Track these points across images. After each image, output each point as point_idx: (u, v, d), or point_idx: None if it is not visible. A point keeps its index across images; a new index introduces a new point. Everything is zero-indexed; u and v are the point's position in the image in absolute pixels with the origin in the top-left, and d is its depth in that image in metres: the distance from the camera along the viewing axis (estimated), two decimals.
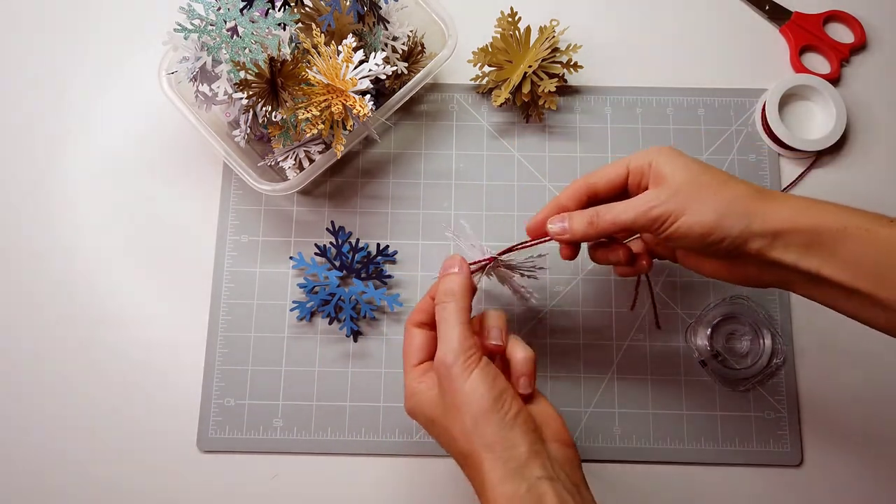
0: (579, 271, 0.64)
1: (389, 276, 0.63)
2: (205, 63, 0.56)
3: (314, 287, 0.62)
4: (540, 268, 0.54)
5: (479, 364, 0.44)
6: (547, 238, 0.51)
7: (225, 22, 0.54)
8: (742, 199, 0.45)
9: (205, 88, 0.57)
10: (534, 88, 0.64)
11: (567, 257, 0.52)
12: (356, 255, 0.63)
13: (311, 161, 0.60)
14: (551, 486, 0.41)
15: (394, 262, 0.64)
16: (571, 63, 0.64)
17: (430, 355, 0.48)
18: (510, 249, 0.53)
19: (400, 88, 0.61)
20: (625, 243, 0.53)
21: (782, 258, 0.44)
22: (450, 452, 0.46)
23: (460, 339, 0.45)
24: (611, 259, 0.52)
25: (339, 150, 0.56)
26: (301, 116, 0.54)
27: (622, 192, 0.50)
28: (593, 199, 0.50)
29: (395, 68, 0.62)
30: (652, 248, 0.54)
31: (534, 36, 0.65)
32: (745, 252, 0.45)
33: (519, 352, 0.48)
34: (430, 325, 0.49)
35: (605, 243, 0.53)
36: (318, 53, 0.54)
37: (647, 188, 0.48)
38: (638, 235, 0.54)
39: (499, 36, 0.65)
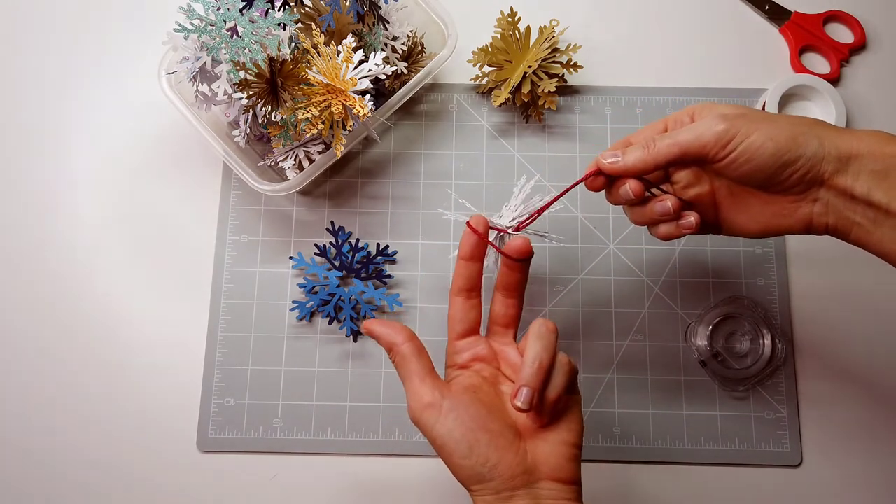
0: (579, 271, 0.64)
1: (389, 276, 0.63)
2: (205, 63, 0.56)
3: (314, 287, 0.62)
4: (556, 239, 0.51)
5: (441, 414, 0.43)
6: (589, 176, 0.47)
7: (225, 22, 0.54)
8: (810, 123, 0.42)
9: (205, 88, 0.57)
10: (534, 88, 0.64)
11: (599, 188, 0.47)
12: (356, 255, 0.63)
13: (311, 161, 0.60)
14: None
15: (394, 262, 0.64)
16: (571, 63, 0.64)
17: (467, 329, 0.48)
18: (532, 220, 0.50)
19: (400, 88, 0.61)
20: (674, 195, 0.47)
21: (853, 187, 0.41)
22: None
23: (418, 393, 0.44)
24: (657, 211, 0.46)
25: (339, 150, 0.56)
26: (301, 116, 0.54)
27: None
28: None
29: (394, 68, 0.62)
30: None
31: (534, 36, 0.65)
32: (814, 179, 0.42)
33: (531, 350, 0.43)
34: (462, 294, 0.48)
35: (649, 197, 0.47)
36: (318, 53, 0.54)
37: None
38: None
39: (499, 36, 0.65)
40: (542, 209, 0.50)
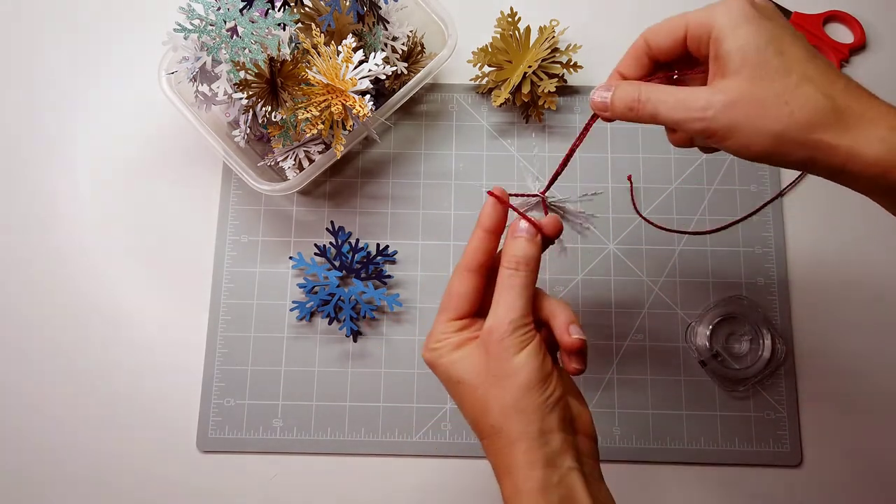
0: (579, 271, 0.64)
1: (389, 276, 0.63)
2: (205, 63, 0.56)
3: (314, 287, 0.62)
4: (591, 215, 0.49)
5: (533, 340, 0.42)
6: (592, 123, 0.46)
7: (225, 22, 0.54)
8: (810, 123, 0.37)
9: (205, 88, 0.57)
10: (533, 88, 0.64)
11: (608, 118, 0.45)
12: (356, 255, 0.63)
13: (311, 161, 0.60)
14: (580, 479, 0.40)
15: (393, 262, 0.64)
16: (571, 63, 0.64)
17: (473, 309, 0.45)
18: (555, 177, 0.48)
19: (400, 88, 0.61)
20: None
21: (851, 186, 0.39)
22: (472, 421, 0.42)
23: (522, 312, 0.42)
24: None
25: (339, 150, 0.56)
26: (301, 116, 0.54)
27: (685, 54, 0.43)
28: (656, 63, 0.44)
29: (394, 68, 0.62)
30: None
31: (534, 36, 0.65)
32: (804, 169, 0.39)
33: (557, 304, 0.44)
34: (480, 271, 0.45)
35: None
36: (318, 53, 0.54)
37: (706, 59, 0.41)
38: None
39: (499, 36, 0.65)
40: (561, 167, 0.48)
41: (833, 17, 0.70)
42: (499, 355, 0.41)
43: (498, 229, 0.45)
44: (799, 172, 0.66)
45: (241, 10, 0.54)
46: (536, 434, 0.40)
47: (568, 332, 0.43)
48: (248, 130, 0.59)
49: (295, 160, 0.60)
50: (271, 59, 0.53)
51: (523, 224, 0.44)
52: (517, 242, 0.44)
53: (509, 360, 0.41)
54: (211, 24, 0.55)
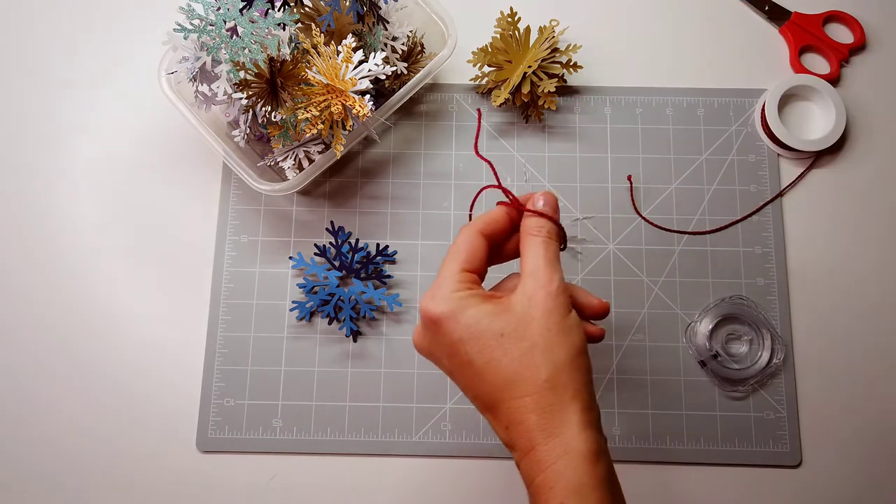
0: (579, 271, 0.64)
1: (389, 276, 0.63)
2: (204, 63, 0.56)
3: (314, 287, 0.62)
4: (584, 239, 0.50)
5: (573, 308, 0.42)
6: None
7: (224, 22, 0.54)
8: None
9: (204, 88, 0.57)
10: (533, 88, 0.64)
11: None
12: (356, 255, 0.63)
13: (311, 161, 0.60)
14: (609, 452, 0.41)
15: (393, 262, 0.64)
16: (571, 63, 0.64)
17: (482, 269, 0.44)
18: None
19: (400, 88, 0.61)
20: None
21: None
22: (512, 377, 0.40)
23: (561, 279, 0.41)
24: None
25: (339, 150, 0.56)
26: (301, 116, 0.54)
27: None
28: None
29: (394, 68, 0.62)
30: None
31: (533, 36, 0.65)
32: None
33: (569, 283, 0.45)
34: (490, 238, 0.45)
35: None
36: (318, 53, 0.54)
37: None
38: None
39: (498, 36, 0.65)
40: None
41: (833, 17, 0.70)
42: (554, 311, 0.40)
43: (517, 220, 0.46)
44: (799, 172, 0.66)
45: (241, 10, 0.54)
46: (589, 397, 0.40)
47: (596, 297, 0.45)
48: (248, 130, 0.59)
49: (295, 160, 0.60)
50: (271, 59, 0.53)
51: (544, 199, 0.45)
52: (535, 216, 0.44)
53: (566, 318, 0.40)
54: (211, 24, 0.55)
